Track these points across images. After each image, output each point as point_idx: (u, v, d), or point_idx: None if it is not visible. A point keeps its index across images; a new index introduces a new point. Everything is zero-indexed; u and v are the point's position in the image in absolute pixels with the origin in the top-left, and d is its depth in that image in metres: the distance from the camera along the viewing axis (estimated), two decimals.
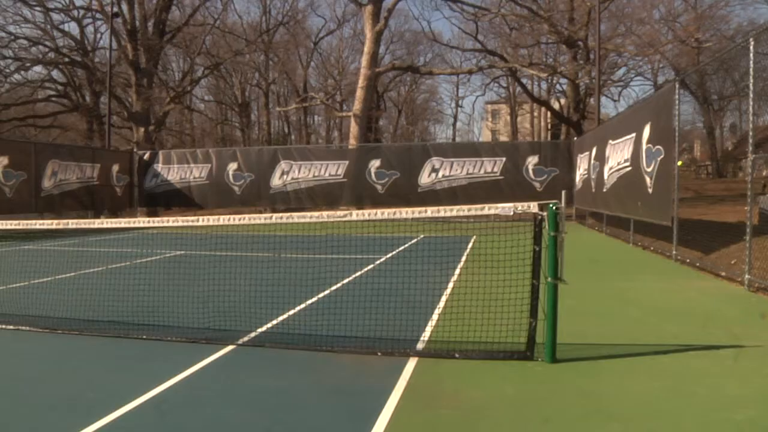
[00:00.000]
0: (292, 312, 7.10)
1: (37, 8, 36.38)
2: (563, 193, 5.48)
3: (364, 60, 31.51)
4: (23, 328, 6.63)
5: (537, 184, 24.37)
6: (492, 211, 5.29)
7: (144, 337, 6.07)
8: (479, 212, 5.39)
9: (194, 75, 42.29)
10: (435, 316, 6.71)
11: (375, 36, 31.20)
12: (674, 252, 11.72)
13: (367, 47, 31.46)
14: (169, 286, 8.02)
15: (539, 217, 5.11)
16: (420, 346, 5.62)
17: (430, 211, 5.25)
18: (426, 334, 5.96)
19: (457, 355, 5.27)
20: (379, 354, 5.36)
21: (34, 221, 8.46)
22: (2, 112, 36.96)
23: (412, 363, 5.11)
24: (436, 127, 67.95)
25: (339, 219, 5.51)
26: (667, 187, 11.31)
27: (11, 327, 6.67)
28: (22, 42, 36.26)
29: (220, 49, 41.49)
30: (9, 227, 7.85)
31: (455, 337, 5.60)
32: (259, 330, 6.23)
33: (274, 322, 6.62)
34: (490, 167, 24.79)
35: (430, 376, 4.83)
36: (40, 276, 9.76)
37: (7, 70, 36.35)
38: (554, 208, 5.03)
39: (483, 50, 37.15)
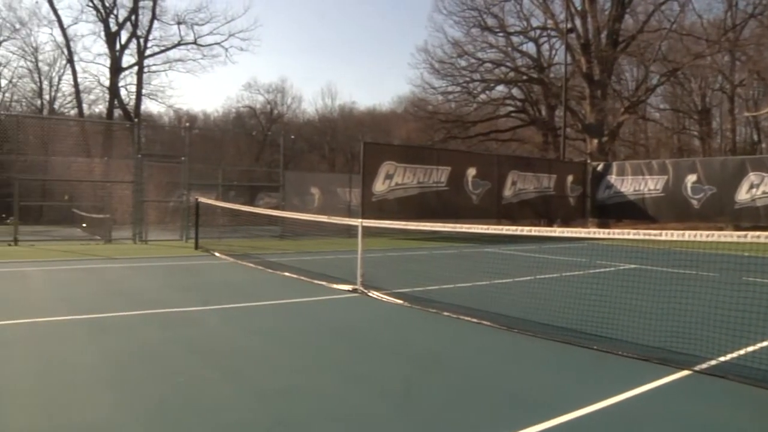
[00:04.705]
0: (763, 344, 6.25)
1: (500, 34, 41.36)
2: None
3: None
4: (485, 322, 7.32)
5: None
6: None
7: (594, 347, 6.08)
8: None
9: (649, 83, 40.91)
10: None
11: None
12: None
13: None
14: (622, 299, 7.86)
15: None
16: None
17: None
18: None
19: None
20: None
21: (500, 227, 9.23)
22: (470, 128, 42.35)
23: None
24: None
25: None
26: None
27: (474, 320, 7.44)
28: (487, 65, 42.13)
29: (677, 53, 39.19)
30: (476, 231, 8.68)
31: None
32: (721, 358, 5.63)
33: (741, 352, 5.91)
34: None
35: None
36: (500, 277, 10.60)
37: (475, 91, 42.74)
38: None
39: None
